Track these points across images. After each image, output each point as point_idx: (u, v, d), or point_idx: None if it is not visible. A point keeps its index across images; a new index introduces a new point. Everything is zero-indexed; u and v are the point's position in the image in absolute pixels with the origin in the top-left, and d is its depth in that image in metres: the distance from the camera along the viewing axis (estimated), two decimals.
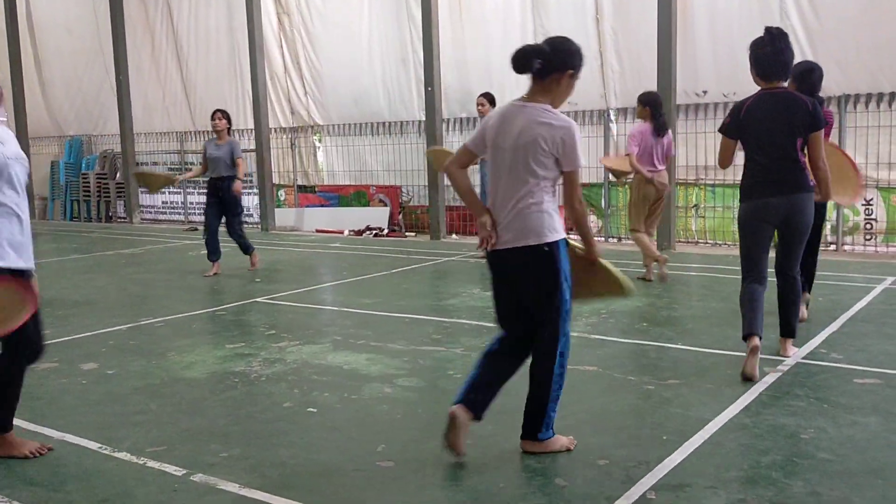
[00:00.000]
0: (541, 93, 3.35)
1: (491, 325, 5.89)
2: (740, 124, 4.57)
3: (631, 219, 7.68)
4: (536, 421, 3.45)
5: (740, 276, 4.68)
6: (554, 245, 3.32)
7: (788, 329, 4.81)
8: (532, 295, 3.37)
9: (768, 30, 4.53)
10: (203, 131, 15.33)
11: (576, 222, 3.45)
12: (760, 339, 4.47)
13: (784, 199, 4.48)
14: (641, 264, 7.78)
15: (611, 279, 3.57)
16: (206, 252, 8.68)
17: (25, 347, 3.50)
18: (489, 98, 9.28)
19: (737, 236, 4.80)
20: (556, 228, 3.35)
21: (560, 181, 3.40)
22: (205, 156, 8.74)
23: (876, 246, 9.47)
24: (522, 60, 3.28)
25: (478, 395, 3.42)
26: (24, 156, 3.60)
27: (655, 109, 7.37)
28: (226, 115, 8.80)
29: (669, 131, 7.55)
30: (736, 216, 4.78)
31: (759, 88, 4.61)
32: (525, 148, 3.29)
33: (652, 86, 9.98)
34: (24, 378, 3.61)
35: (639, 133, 7.32)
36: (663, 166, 7.46)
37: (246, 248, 8.89)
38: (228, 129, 8.79)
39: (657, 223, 7.80)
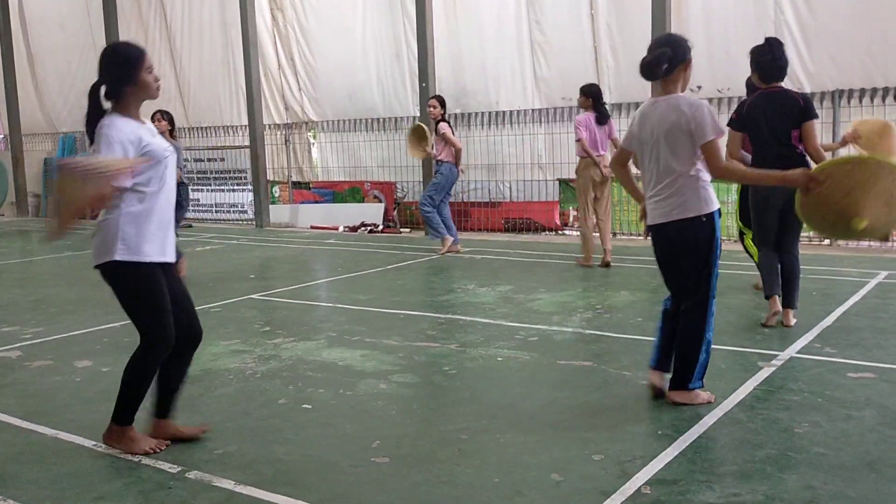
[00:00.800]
0: (670, 85, 3.86)
1: (484, 320, 5.91)
2: (743, 119, 5.36)
3: (580, 207, 8.41)
4: (687, 373, 3.88)
5: (756, 246, 5.69)
6: (710, 216, 3.80)
7: (790, 301, 5.44)
8: (686, 260, 3.85)
9: (768, 40, 5.33)
10: (197, 128, 15.30)
11: (733, 180, 4.12)
12: (779, 297, 5.41)
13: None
14: (600, 258, 8.24)
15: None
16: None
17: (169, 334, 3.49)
18: (440, 101, 9.67)
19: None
20: (710, 200, 3.81)
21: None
22: None
23: (870, 240, 9.49)
24: (654, 69, 3.80)
25: (681, 372, 3.93)
26: (172, 148, 3.57)
27: (597, 100, 8.23)
28: (166, 117, 8.13)
29: (610, 119, 8.37)
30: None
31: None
32: (665, 137, 3.78)
33: (647, 81, 9.98)
34: (183, 369, 3.64)
35: (585, 120, 8.15)
36: (605, 151, 8.20)
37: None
38: (171, 131, 8.11)
39: (608, 206, 8.51)
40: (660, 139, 3.80)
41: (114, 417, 3.54)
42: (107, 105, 3.41)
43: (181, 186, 7.99)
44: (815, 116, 5.20)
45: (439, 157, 9.49)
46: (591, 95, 8.23)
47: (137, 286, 3.41)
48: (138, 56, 3.39)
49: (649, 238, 4.05)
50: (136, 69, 3.36)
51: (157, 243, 3.41)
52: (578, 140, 8.16)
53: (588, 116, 8.19)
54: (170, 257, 3.50)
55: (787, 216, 5.23)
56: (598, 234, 8.40)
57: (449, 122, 9.65)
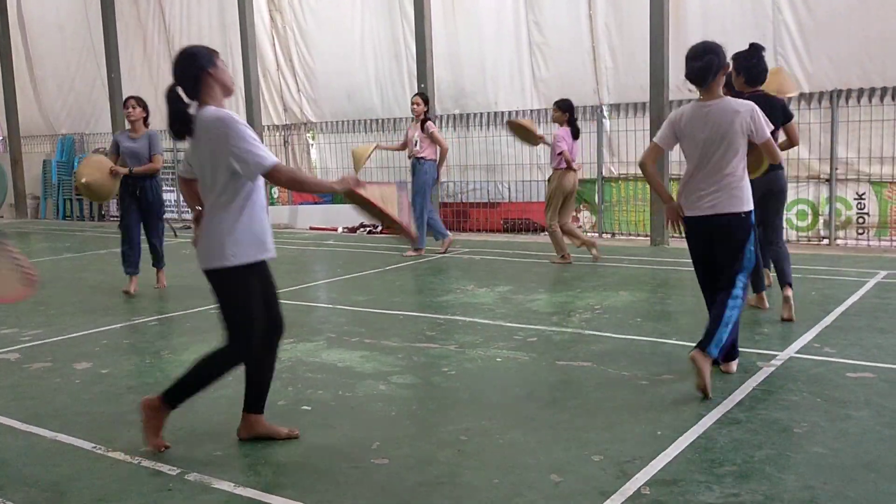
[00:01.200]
0: (715, 89, 4.20)
1: (483, 321, 5.91)
2: None
3: (549, 212, 8.67)
4: (711, 337, 4.11)
5: None
6: (748, 213, 4.23)
7: (786, 278, 5.71)
8: (727, 249, 4.22)
9: (752, 45, 5.61)
10: None
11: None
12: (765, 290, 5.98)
13: (763, 177, 5.25)
14: (570, 254, 8.68)
15: None
16: (157, 260, 7.84)
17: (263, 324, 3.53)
18: (424, 98, 9.72)
19: None
20: (749, 199, 4.24)
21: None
22: (117, 150, 7.46)
23: (868, 240, 9.50)
24: (706, 76, 4.14)
25: (705, 335, 4.16)
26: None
27: (572, 115, 8.62)
28: (141, 103, 7.51)
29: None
30: None
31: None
32: (724, 136, 4.15)
33: (645, 81, 10.01)
34: (273, 359, 3.69)
35: (565, 134, 8.53)
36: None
37: (159, 260, 7.80)
38: (145, 119, 7.52)
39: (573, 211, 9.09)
40: (721, 139, 4.14)
41: (166, 393, 3.53)
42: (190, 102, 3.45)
43: (152, 180, 7.54)
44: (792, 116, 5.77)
45: (421, 155, 9.48)
46: (568, 110, 8.58)
47: (238, 292, 3.44)
48: (211, 50, 3.49)
49: (677, 232, 4.48)
50: (212, 56, 3.45)
51: (259, 242, 3.45)
52: (560, 153, 8.45)
53: (566, 131, 8.53)
54: (272, 252, 3.53)
55: (766, 204, 5.57)
56: (572, 237, 8.79)
57: (433, 121, 9.70)
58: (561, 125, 8.58)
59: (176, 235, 8.42)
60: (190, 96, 3.43)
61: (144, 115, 7.52)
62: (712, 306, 4.28)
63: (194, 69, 3.40)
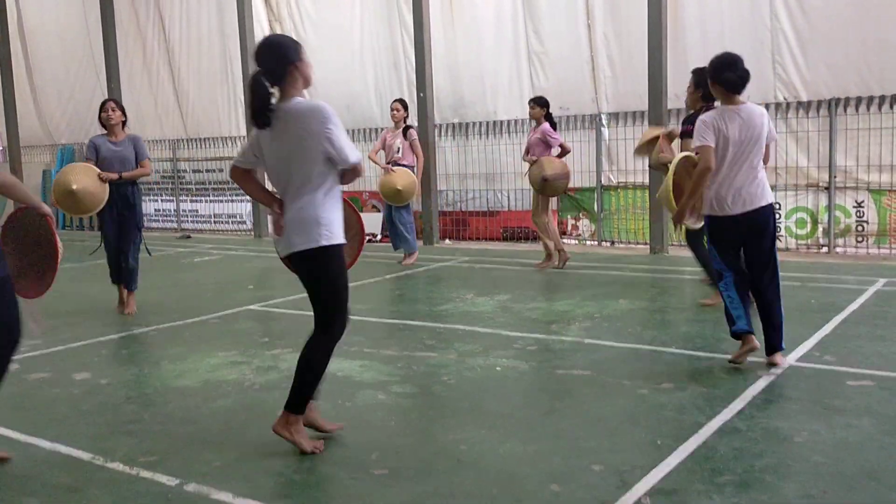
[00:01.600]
0: (739, 96, 4.58)
1: (483, 329, 5.90)
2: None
3: (538, 210, 8.82)
4: (778, 335, 4.66)
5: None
6: (773, 203, 4.66)
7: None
8: (766, 236, 4.59)
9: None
10: (196, 139, 15.31)
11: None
12: None
13: None
14: (552, 258, 8.02)
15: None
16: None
17: (344, 318, 3.63)
18: (403, 104, 9.81)
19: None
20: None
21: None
22: (97, 156, 6.85)
23: (867, 248, 9.50)
24: (744, 85, 4.53)
25: (771, 337, 4.67)
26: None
27: (549, 111, 8.84)
28: (120, 106, 7.07)
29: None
30: None
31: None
32: (758, 137, 4.55)
33: (644, 90, 10.02)
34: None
35: (551, 128, 8.75)
36: None
37: (132, 281, 7.14)
38: (124, 123, 7.06)
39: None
40: (756, 139, 4.53)
41: (291, 407, 3.60)
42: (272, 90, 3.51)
43: (134, 186, 7.11)
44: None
45: (403, 163, 9.59)
46: (546, 105, 8.81)
47: (339, 268, 3.57)
48: (297, 42, 3.58)
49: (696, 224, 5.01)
50: (299, 49, 3.54)
51: (342, 225, 3.58)
52: (560, 144, 8.81)
53: (548, 125, 8.77)
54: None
55: None
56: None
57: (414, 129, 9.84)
58: (539, 121, 8.79)
59: (150, 255, 7.42)
60: (274, 82, 3.49)
61: (123, 118, 7.06)
62: (765, 301, 4.66)
63: (284, 61, 3.48)
